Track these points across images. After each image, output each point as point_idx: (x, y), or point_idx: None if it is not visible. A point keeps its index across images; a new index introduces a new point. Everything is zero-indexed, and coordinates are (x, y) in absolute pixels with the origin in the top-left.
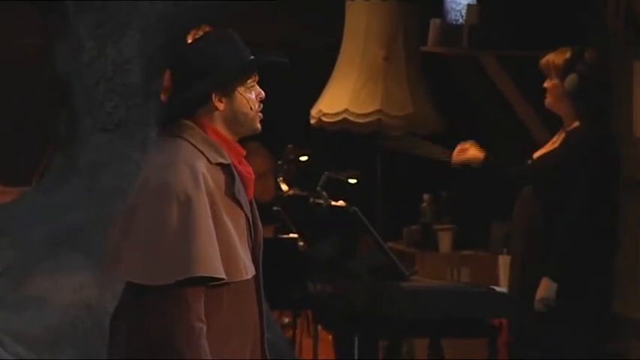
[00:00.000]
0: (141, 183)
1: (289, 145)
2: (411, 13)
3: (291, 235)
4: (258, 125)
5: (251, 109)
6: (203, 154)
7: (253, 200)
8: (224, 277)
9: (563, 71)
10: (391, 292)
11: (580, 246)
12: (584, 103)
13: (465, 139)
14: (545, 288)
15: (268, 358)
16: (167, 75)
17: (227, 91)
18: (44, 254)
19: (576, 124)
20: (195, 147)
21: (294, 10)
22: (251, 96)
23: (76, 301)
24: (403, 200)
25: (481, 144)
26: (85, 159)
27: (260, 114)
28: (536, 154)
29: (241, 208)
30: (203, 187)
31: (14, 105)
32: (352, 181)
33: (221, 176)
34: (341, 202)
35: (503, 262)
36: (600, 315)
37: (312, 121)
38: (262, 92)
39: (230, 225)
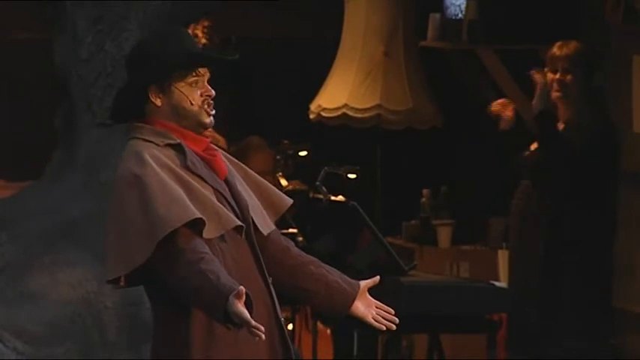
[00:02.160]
0: None
1: (285, 141)
2: (411, 8)
3: (291, 229)
4: (207, 119)
5: (191, 104)
6: (150, 142)
7: (233, 181)
8: (199, 215)
9: (586, 64)
10: (390, 287)
11: (579, 238)
12: (596, 95)
13: (463, 132)
14: None
15: (281, 317)
16: None
17: (163, 85)
18: (43, 249)
19: (580, 113)
20: (143, 139)
21: (294, 4)
22: (191, 92)
23: (74, 297)
24: (402, 195)
25: (479, 138)
26: (85, 154)
27: (210, 110)
28: (534, 146)
29: (206, 182)
30: (151, 161)
31: (13, 100)
32: (351, 176)
33: (172, 153)
34: (340, 197)
35: (503, 256)
36: (600, 309)
37: (312, 116)
38: (211, 90)
39: (199, 188)
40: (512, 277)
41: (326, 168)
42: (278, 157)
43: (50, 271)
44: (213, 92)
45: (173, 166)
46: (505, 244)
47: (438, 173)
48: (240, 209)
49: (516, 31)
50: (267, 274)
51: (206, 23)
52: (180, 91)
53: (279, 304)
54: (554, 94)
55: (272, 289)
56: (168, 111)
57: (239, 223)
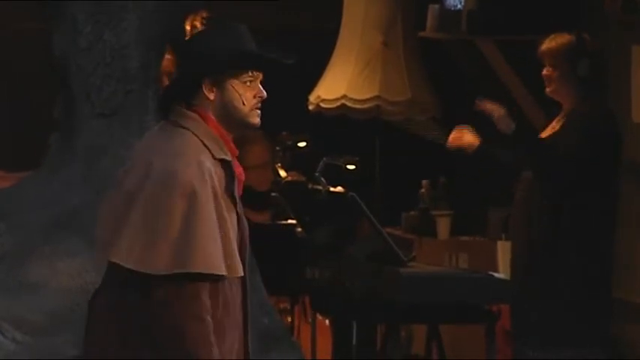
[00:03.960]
0: (142, 168)
1: (284, 132)
2: None
3: (289, 221)
4: (255, 120)
5: (243, 104)
6: (208, 148)
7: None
8: (224, 272)
9: (570, 56)
10: (389, 278)
11: (580, 227)
12: (589, 86)
13: (462, 123)
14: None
15: (250, 358)
16: (168, 59)
17: (218, 80)
18: (42, 239)
19: (579, 105)
20: (201, 141)
21: None
22: (245, 92)
23: (74, 287)
24: (402, 186)
25: (478, 129)
26: (83, 144)
27: (258, 111)
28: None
29: (235, 205)
30: (209, 181)
31: (13, 90)
32: (351, 167)
33: (222, 172)
34: (339, 188)
35: (502, 248)
36: (600, 301)
37: (311, 107)
38: (263, 92)
39: (229, 221)
40: (513, 269)
41: (325, 159)
42: (277, 148)
43: (50, 261)
44: (265, 94)
45: (218, 189)
46: (504, 235)
47: (438, 164)
48: (241, 233)
49: (515, 21)
50: (248, 305)
51: (205, 14)
52: (235, 89)
53: (277, 295)
54: (546, 90)
55: (249, 319)
56: (218, 107)
57: (240, 273)
